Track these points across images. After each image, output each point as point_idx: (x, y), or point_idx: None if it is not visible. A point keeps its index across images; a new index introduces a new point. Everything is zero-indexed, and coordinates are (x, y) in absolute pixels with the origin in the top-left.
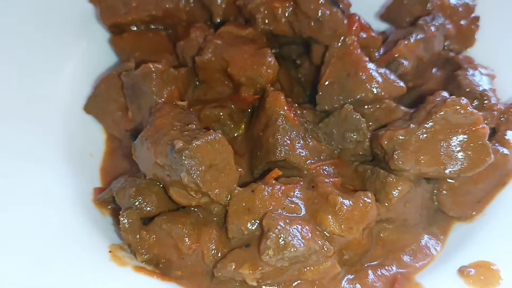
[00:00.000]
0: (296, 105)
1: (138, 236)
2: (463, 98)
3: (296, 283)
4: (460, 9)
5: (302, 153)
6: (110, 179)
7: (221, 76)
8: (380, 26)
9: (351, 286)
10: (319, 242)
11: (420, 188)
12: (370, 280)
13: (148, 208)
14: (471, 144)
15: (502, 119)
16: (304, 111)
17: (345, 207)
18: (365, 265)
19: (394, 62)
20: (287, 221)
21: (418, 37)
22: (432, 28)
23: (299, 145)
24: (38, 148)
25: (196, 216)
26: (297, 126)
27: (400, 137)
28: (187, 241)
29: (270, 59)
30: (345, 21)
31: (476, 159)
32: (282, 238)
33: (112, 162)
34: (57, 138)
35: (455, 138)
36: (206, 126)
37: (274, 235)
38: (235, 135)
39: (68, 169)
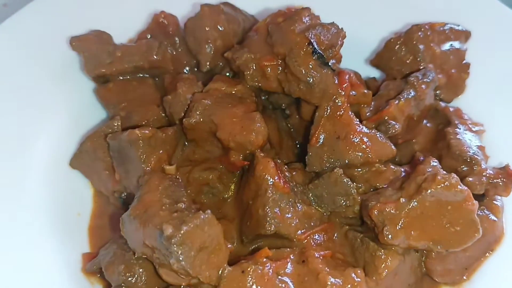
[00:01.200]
0: (286, 167)
1: None
2: (453, 175)
3: None
4: (451, 56)
5: (293, 223)
6: (99, 241)
7: (210, 136)
8: (370, 71)
9: None
10: None
11: (408, 257)
12: None
13: (138, 286)
14: (461, 220)
15: (490, 183)
16: (294, 173)
17: (334, 287)
18: None
19: (384, 123)
20: None
21: (409, 96)
22: (423, 86)
23: (289, 215)
24: (22, 212)
25: None
26: (287, 193)
27: (390, 211)
28: None
29: (259, 125)
30: (336, 80)
31: (465, 235)
32: None
33: (100, 221)
34: (42, 198)
35: (444, 214)
36: (195, 189)
37: None
38: (225, 196)
39: (55, 232)
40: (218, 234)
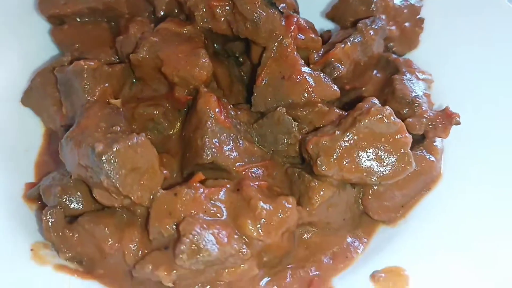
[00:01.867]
0: (231, 106)
1: (61, 234)
2: (387, 107)
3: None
4: (405, 10)
5: (231, 155)
6: (44, 175)
7: (157, 74)
8: (327, 25)
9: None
10: (236, 246)
11: (344, 192)
12: (287, 282)
13: (73, 207)
14: (393, 153)
15: (430, 126)
16: (239, 112)
17: (264, 212)
18: (287, 266)
19: (329, 65)
20: (204, 225)
21: (355, 40)
22: (371, 32)
23: (228, 147)
24: None
25: (120, 217)
26: (228, 128)
27: (324, 143)
28: (109, 241)
29: (204, 60)
30: (283, 22)
31: (397, 168)
32: (195, 244)
33: (48, 157)
34: None
35: (377, 146)
36: (140, 125)
37: (188, 240)
38: (170, 133)
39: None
40: (153, 158)
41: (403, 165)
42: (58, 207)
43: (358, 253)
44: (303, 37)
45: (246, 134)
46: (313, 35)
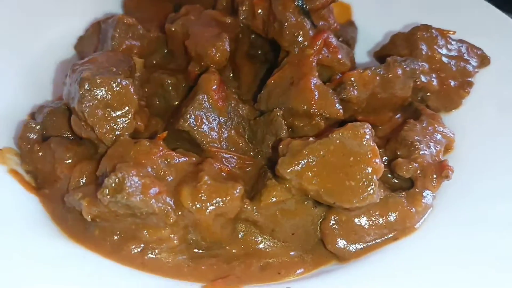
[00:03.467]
0: (236, 96)
1: (29, 147)
2: (367, 126)
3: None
4: (453, 68)
5: (210, 134)
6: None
7: (183, 48)
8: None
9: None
10: (161, 205)
11: (301, 206)
12: (202, 268)
13: (53, 129)
14: (358, 176)
15: (419, 173)
16: (242, 106)
17: (205, 186)
18: (212, 256)
19: (341, 85)
20: (141, 174)
21: (377, 71)
22: (399, 70)
23: (209, 125)
24: None
25: (83, 149)
26: (219, 109)
27: (295, 146)
28: (63, 164)
29: (221, 43)
30: (311, 33)
31: (357, 193)
32: (120, 183)
33: None
34: None
35: (345, 164)
36: (151, 89)
37: (115, 177)
38: (174, 104)
39: None
40: (131, 104)
41: (364, 194)
42: (40, 125)
43: (294, 275)
44: (329, 56)
45: (238, 126)
46: (340, 57)
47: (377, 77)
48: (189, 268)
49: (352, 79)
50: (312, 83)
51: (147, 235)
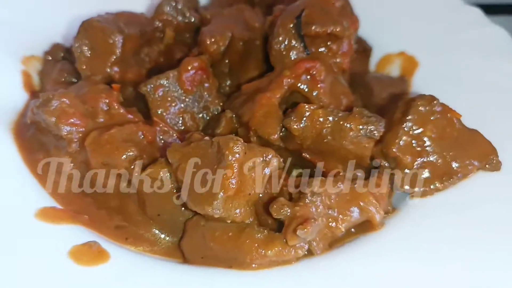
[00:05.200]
0: (215, 89)
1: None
2: (240, 143)
3: None
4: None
5: (161, 105)
6: None
7: None
8: None
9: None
10: (69, 135)
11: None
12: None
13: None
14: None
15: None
16: (216, 100)
17: (106, 137)
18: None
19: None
20: (68, 103)
21: (333, 113)
22: (357, 123)
23: (166, 99)
24: None
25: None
26: (185, 91)
27: (193, 138)
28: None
29: (221, 38)
30: (294, 56)
31: (201, 199)
32: (48, 100)
33: None
34: None
35: (208, 169)
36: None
37: (47, 95)
38: None
39: None
40: (112, 54)
41: (204, 204)
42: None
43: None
44: (307, 86)
45: (198, 112)
46: (317, 92)
47: (329, 120)
48: (67, 194)
49: (305, 112)
50: (265, 100)
51: (53, 153)
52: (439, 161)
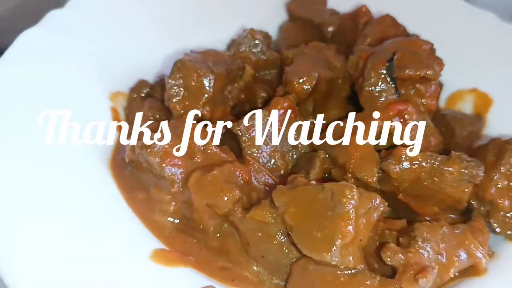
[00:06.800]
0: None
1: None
2: (355, 190)
3: None
4: None
5: (253, 146)
6: None
7: None
8: None
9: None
10: (171, 175)
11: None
12: (178, 239)
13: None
14: (326, 231)
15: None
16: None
17: (210, 178)
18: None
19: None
20: (170, 144)
21: (433, 157)
22: (456, 167)
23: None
24: None
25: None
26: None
27: (297, 181)
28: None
29: (308, 79)
30: (383, 98)
31: (317, 246)
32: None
33: None
34: None
35: (322, 215)
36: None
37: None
38: None
39: None
40: (205, 94)
41: (323, 251)
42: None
43: None
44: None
45: (287, 152)
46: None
47: (428, 164)
48: (169, 234)
49: (402, 155)
50: (360, 142)
51: (154, 192)
52: None
